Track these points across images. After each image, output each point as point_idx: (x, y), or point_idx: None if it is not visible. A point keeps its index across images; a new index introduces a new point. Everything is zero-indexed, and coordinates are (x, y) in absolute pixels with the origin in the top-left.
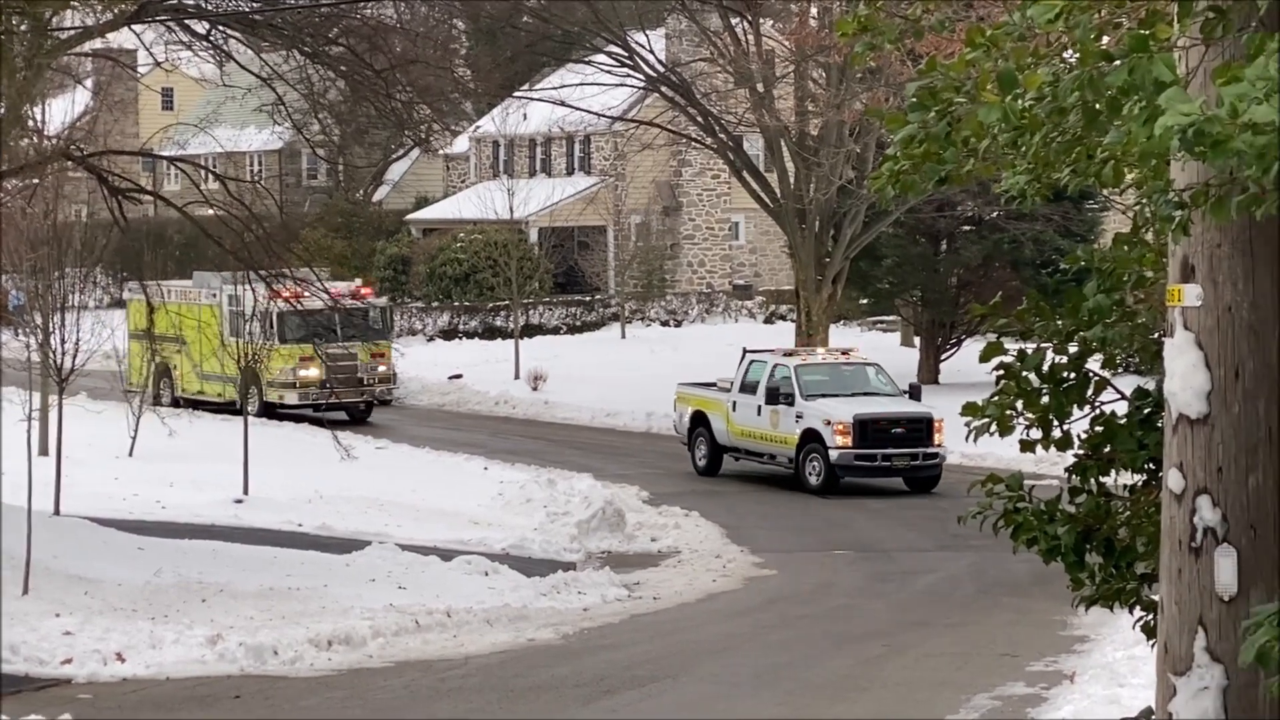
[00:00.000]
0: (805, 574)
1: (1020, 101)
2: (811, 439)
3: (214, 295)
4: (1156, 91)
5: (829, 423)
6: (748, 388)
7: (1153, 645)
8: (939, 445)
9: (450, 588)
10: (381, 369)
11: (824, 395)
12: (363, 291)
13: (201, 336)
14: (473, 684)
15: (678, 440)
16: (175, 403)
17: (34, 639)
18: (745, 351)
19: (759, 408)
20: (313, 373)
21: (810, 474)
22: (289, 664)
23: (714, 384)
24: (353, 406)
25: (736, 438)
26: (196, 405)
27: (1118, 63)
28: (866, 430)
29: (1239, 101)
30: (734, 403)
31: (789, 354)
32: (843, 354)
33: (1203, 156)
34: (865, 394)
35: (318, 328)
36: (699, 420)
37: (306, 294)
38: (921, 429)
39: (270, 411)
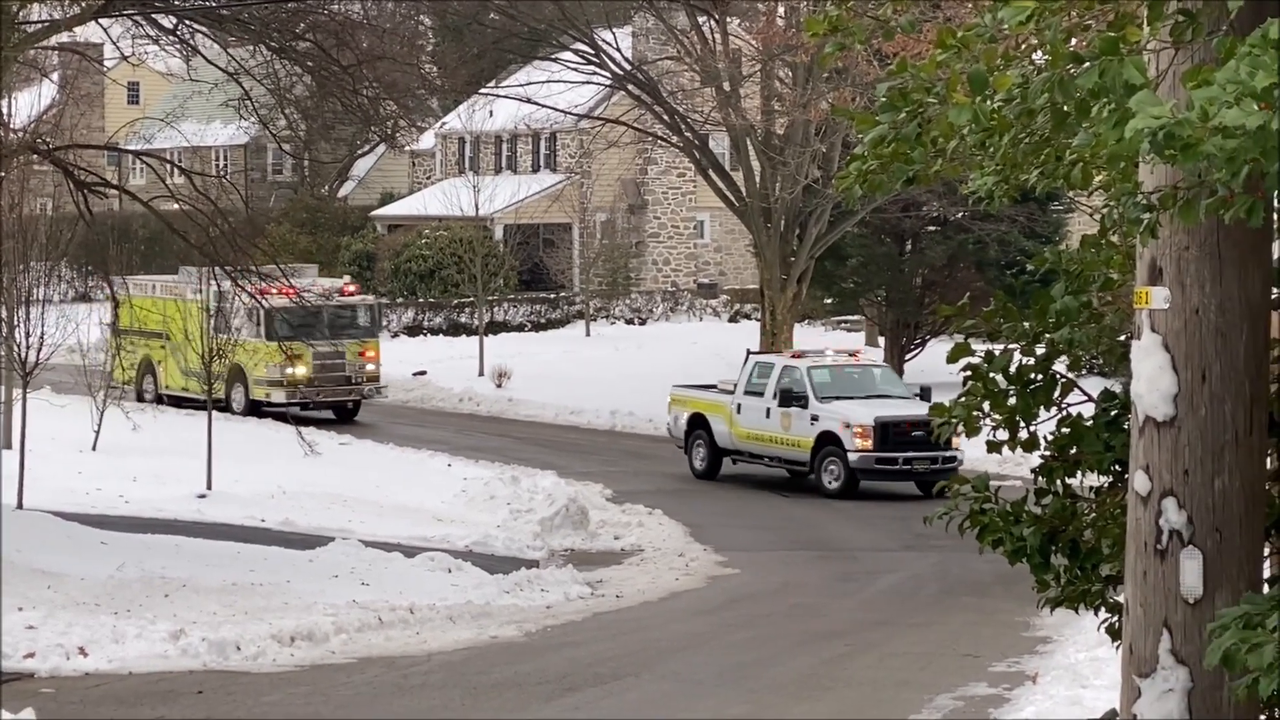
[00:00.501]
0: (769, 573)
1: (990, 103)
2: (829, 442)
3: (199, 291)
4: (1127, 94)
5: (848, 425)
6: (753, 390)
7: (1117, 647)
8: (957, 448)
9: (413, 584)
10: (369, 367)
11: (838, 398)
12: (350, 289)
13: (187, 332)
14: (435, 681)
15: (641, 438)
16: (159, 399)
17: None
18: (749, 353)
19: (768, 410)
20: (300, 370)
21: (828, 477)
22: (251, 659)
23: (714, 386)
24: (340, 405)
25: (741, 440)
26: (180, 402)
27: (1088, 65)
28: (888, 433)
29: (1210, 105)
30: (738, 405)
31: (797, 355)
32: (850, 355)
33: (1173, 159)
34: (879, 396)
35: (305, 325)
36: (697, 423)
37: (295, 291)
38: None
39: (257, 409)
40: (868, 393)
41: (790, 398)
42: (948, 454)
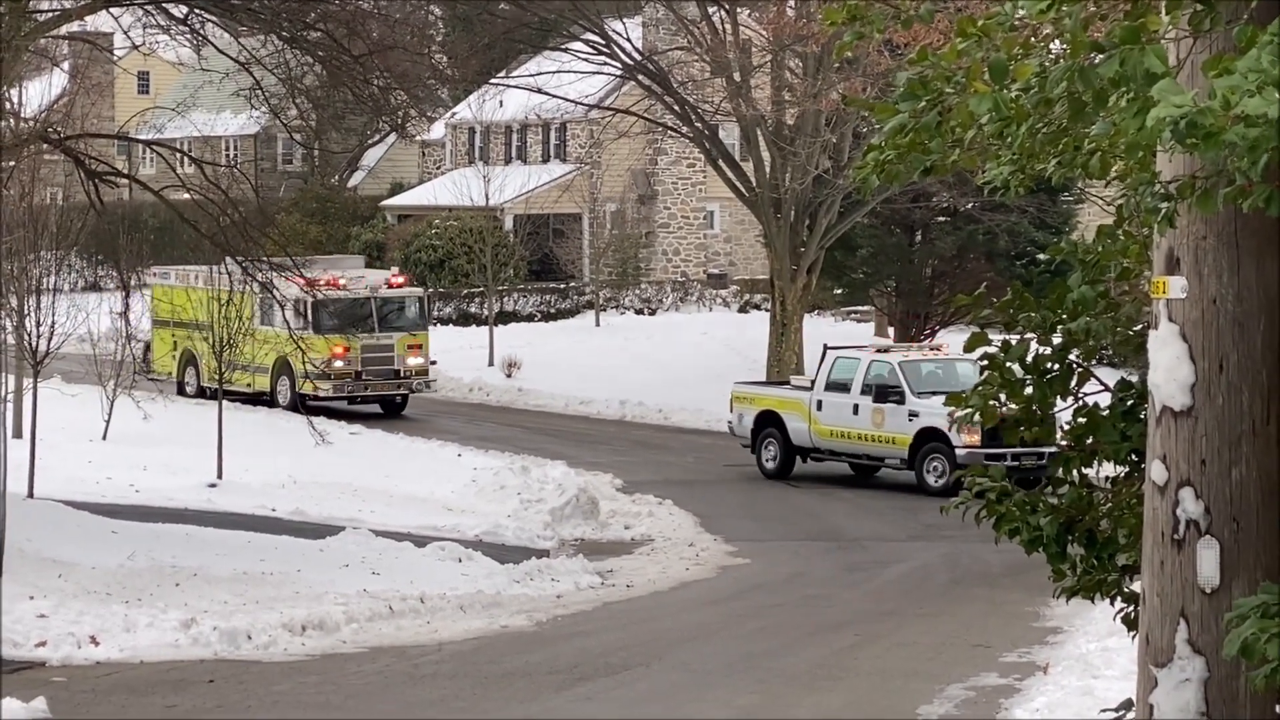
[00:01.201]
0: (778, 563)
1: (1009, 92)
2: (931, 438)
3: (242, 283)
4: (1147, 83)
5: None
6: (835, 386)
7: (1133, 637)
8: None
9: (424, 574)
10: (417, 361)
11: (933, 392)
12: (398, 281)
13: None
14: (446, 670)
15: (651, 428)
16: (201, 392)
17: (8, 622)
18: (826, 348)
19: (855, 406)
20: (347, 364)
21: (931, 475)
22: (263, 648)
23: (786, 383)
24: (388, 399)
25: (824, 438)
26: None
27: (1108, 54)
28: (996, 429)
29: (1231, 93)
30: (818, 401)
31: (883, 350)
32: (934, 350)
33: (1195, 148)
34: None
35: (353, 317)
36: (767, 420)
37: (343, 282)
38: None
39: (302, 403)
40: (958, 388)
41: (884, 393)
42: (1051, 450)
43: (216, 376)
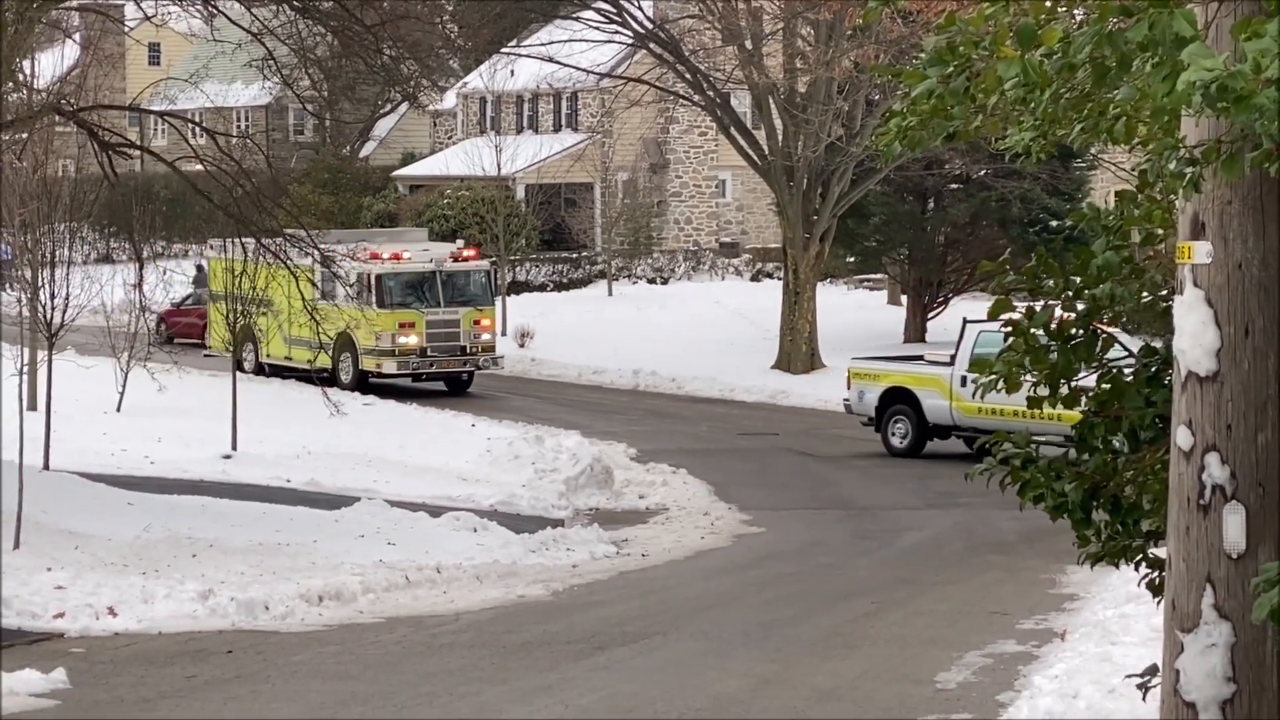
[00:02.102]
0: (793, 532)
1: (1035, 57)
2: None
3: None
4: (1176, 47)
5: None
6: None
7: (1158, 603)
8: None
9: (439, 544)
10: (485, 336)
11: None
12: (465, 254)
13: (290, 298)
14: (464, 640)
15: (664, 397)
16: (259, 369)
17: (26, 593)
18: (966, 322)
19: None
20: (412, 340)
21: None
22: (280, 619)
23: (919, 357)
24: (454, 376)
25: (970, 415)
26: (283, 373)
27: (1137, 18)
28: None
29: (1262, 57)
30: (962, 378)
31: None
32: None
33: (1225, 112)
34: None
35: (418, 292)
36: (896, 397)
37: (407, 256)
38: None
39: (365, 381)
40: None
41: None
42: None
43: (284, 353)
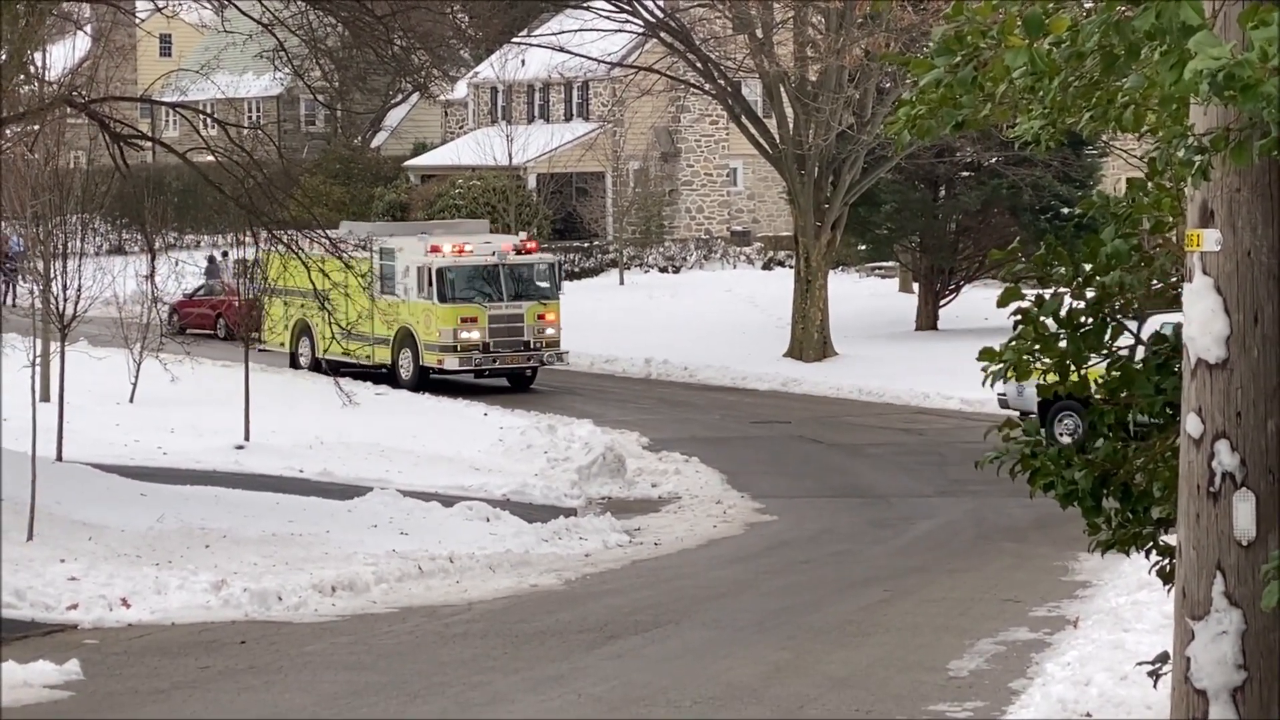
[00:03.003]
0: (805, 520)
1: (1042, 46)
2: None
3: (363, 247)
4: (1183, 35)
5: None
6: None
7: (1168, 590)
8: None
9: (452, 533)
10: (549, 331)
11: None
12: (529, 246)
13: (349, 292)
14: (477, 629)
15: (676, 385)
16: (316, 365)
17: (40, 584)
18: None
19: None
20: (474, 335)
21: None
22: (293, 609)
23: None
24: (518, 373)
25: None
26: (339, 368)
27: (1144, 7)
28: None
29: (1269, 45)
30: None
31: None
32: None
33: (1232, 100)
34: None
35: (481, 285)
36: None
37: (469, 248)
38: None
39: (425, 377)
40: None
41: None
42: None
43: (342, 349)
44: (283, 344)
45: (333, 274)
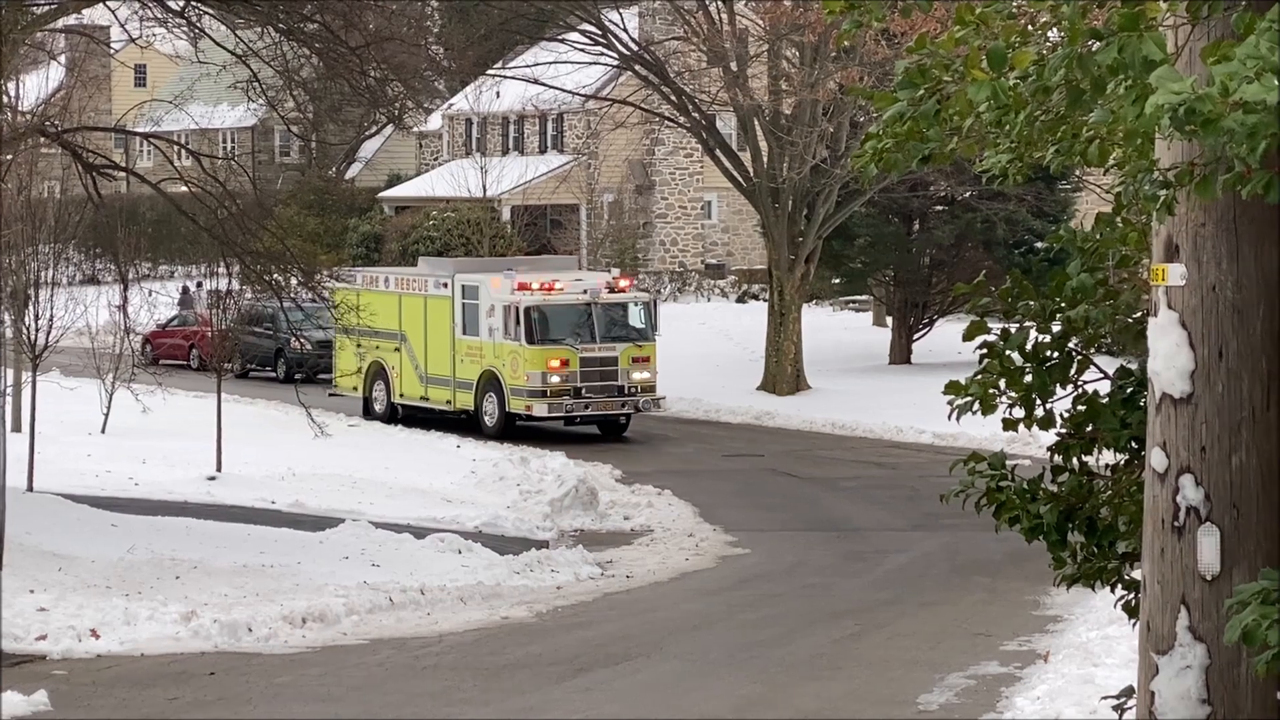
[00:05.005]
0: (778, 553)
1: (1007, 80)
2: None
3: (444, 285)
4: (1146, 70)
5: None
6: None
7: (1133, 624)
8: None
9: (424, 565)
10: (644, 375)
11: None
12: (621, 284)
13: (427, 333)
14: (447, 661)
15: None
16: (392, 411)
17: (9, 615)
18: None
19: None
20: (565, 379)
21: None
22: (263, 641)
23: None
24: (610, 419)
25: None
26: (416, 414)
27: (1106, 41)
28: None
29: (1230, 80)
30: None
31: None
32: None
33: (1193, 135)
34: None
35: (571, 326)
36: None
37: (559, 286)
38: None
39: (511, 424)
40: None
41: None
42: None
43: (420, 393)
44: (355, 388)
45: (412, 314)
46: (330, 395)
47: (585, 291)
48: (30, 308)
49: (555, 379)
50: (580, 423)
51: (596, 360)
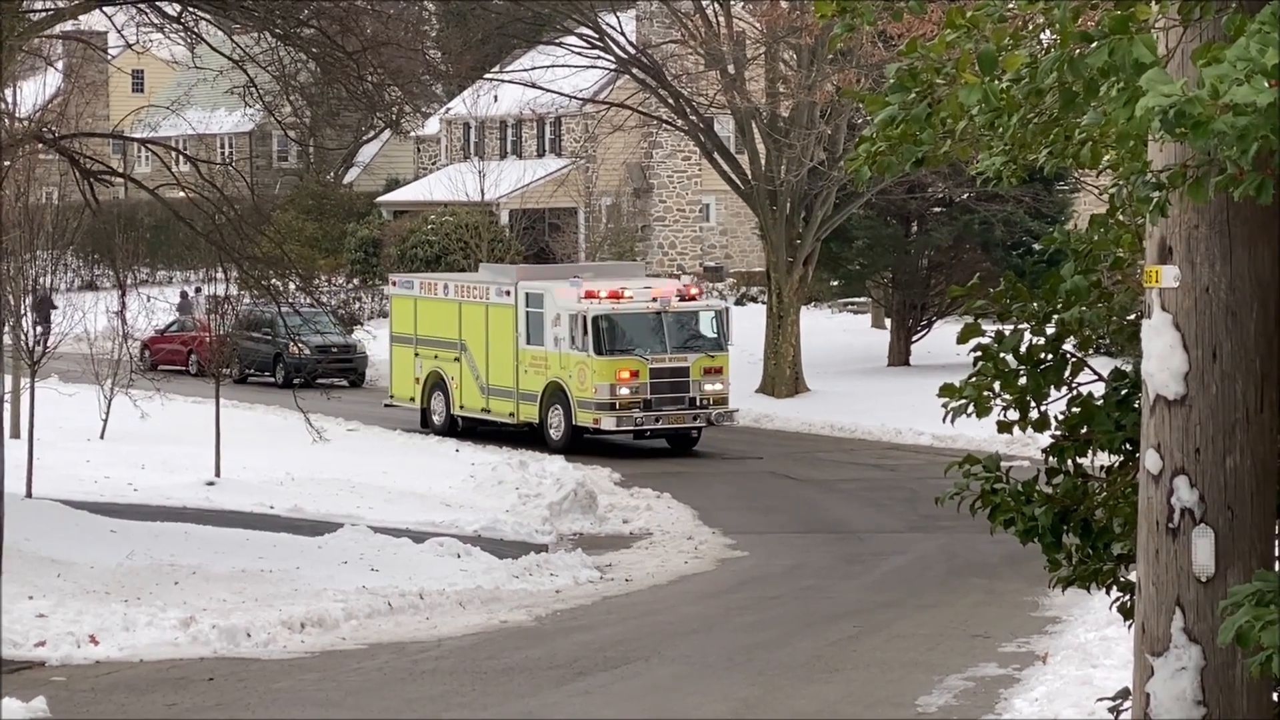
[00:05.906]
0: (777, 556)
1: (999, 83)
2: None
3: (507, 292)
4: (1136, 72)
5: None
6: None
7: (1129, 626)
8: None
9: (422, 570)
10: (716, 387)
11: None
12: (692, 292)
13: (489, 342)
14: (446, 666)
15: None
16: (452, 423)
17: (7, 621)
18: None
19: None
20: (635, 391)
21: None
22: (262, 646)
23: None
24: (681, 433)
25: None
26: (478, 427)
27: (1097, 44)
28: None
29: (1220, 82)
30: None
31: None
32: None
33: (1183, 137)
34: None
35: (641, 335)
36: None
37: (628, 294)
38: None
39: (579, 437)
40: None
41: None
42: None
43: (481, 405)
44: (413, 399)
45: (473, 322)
46: (386, 406)
47: (655, 300)
48: (28, 313)
49: (625, 390)
50: (650, 436)
51: (667, 371)
